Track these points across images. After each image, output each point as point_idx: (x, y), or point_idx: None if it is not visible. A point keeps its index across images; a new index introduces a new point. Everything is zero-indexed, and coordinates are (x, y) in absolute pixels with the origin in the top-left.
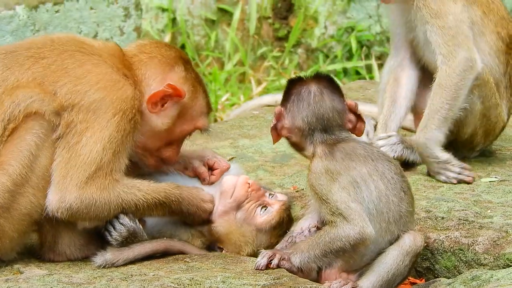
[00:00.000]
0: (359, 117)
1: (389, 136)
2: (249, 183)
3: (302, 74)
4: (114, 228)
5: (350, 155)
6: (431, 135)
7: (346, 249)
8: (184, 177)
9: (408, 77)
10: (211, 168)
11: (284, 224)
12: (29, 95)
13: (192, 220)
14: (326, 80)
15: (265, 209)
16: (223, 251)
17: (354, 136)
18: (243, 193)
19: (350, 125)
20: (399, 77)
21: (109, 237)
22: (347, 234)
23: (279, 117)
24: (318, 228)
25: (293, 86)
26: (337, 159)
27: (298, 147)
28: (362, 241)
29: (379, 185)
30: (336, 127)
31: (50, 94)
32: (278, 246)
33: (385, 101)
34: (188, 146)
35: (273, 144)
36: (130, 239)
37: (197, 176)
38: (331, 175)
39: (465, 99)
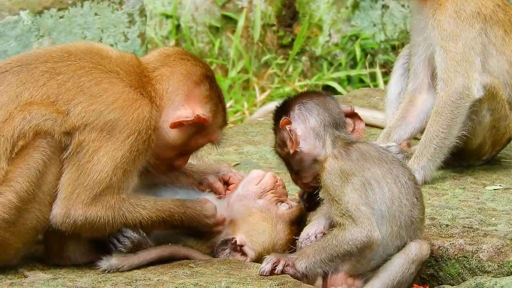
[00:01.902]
0: (356, 117)
1: (388, 147)
2: (277, 178)
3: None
4: (119, 241)
5: (365, 156)
6: (424, 165)
7: (352, 253)
8: (197, 192)
9: (424, 100)
10: (226, 183)
11: (303, 223)
12: (42, 113)
13: (194, 231)
14: (321, 91)
15: (286, 204)
16: (233, 240)
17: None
18: (271, 182)
19: (350, 128)
20: (415, 98)
21: (114, 249)
22: (354, 237)
23: (287, 123)
24: (324, 234)
25: (290, 100)
26: (353, 159)
27: (307, 160)
28: (369, 244)
29: (393, 188)
30: (343, 125)
31: (63, 114)
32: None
33: (395, 116)
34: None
35: (291, 152)
36: (135, 249)
37: (213, 191)
38: (345, 176)
39: (462, 127)
